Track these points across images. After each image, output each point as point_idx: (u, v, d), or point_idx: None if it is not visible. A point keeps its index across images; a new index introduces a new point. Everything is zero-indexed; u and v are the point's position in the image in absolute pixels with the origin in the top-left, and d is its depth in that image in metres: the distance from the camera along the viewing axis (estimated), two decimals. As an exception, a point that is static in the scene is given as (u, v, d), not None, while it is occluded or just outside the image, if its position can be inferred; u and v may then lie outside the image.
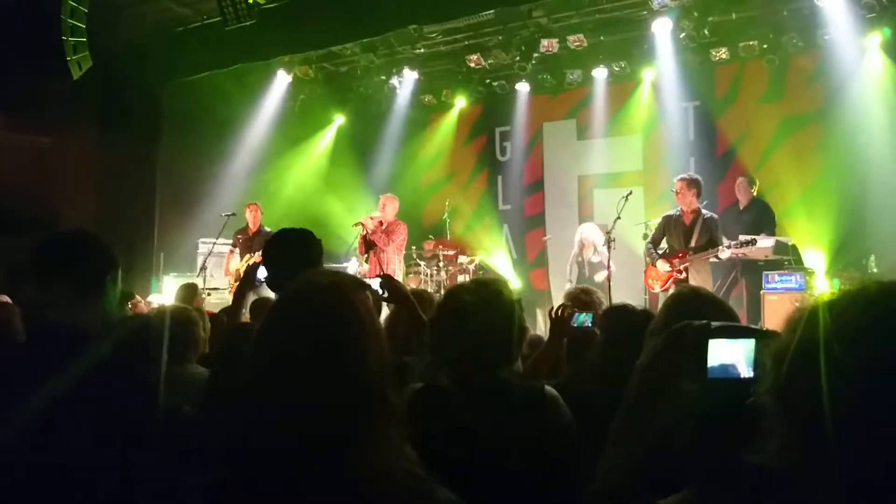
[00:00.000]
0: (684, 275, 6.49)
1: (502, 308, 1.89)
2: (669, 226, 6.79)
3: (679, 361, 1.22)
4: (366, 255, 7.85)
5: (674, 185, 6.75)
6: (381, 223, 7.82)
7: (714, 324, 1.24)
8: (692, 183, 6.69)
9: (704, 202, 6.85)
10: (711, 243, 6.49)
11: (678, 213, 6.77)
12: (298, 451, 1.09)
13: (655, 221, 7.63)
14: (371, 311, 1.22)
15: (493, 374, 1.87)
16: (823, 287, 6.86)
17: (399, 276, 7.60)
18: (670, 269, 6.60)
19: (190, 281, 7.28)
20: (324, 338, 1.15)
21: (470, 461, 1.61)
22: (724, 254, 6.43)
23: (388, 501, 1.09)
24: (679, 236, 6.67)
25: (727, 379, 1.19)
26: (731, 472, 1.09)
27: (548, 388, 1.94)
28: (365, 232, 7.72)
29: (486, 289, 1.94)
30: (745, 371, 1.19)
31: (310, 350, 1.14)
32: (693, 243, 6.54)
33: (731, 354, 1.20)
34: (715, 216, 6.74)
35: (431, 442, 1.25)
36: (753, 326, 1.27)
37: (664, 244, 6.89)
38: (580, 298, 3.41)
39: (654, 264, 6.78)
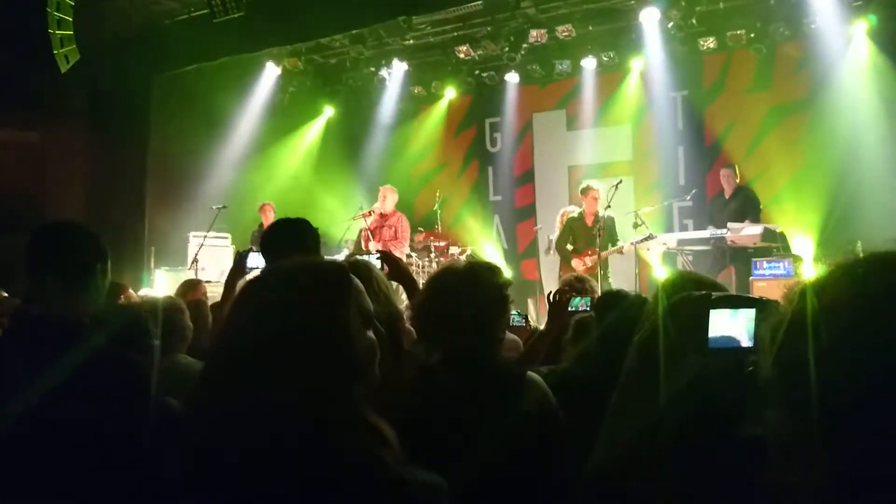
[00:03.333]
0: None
1: (484, 289, 1.91)
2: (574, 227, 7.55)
3: (680, 332, 1.21)
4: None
5: (592, 190, 7.47)
6: (381, 215, 7.97)
7: (714, 294, 1.23)
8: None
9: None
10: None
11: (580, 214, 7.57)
12: (272, 437, 1.07)
13: (646, 210, 7.73)
14: (344, 289, 1.18)
15: (474, 354, 1.89)
16: (811, 273, 6.92)
17: None
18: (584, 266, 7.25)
19: (189, 277, 7.27)
20: (289, 317, 1.12)
21: (451, 440, 1.64)
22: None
23: (366, 485, 1.07)
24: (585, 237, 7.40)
25: (728, 349, 1.19)
26: (731, 443, 1.11)
27: (529, 372, 1.96)
28: (367, 226, 7.89)
29: (471, 270, 1.96)
30: (746, 341, 1.19)
31: (276, 330, 1.11)
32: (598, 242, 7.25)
33: (731, 324, 1.19)
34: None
35: (415, 421, 1.25)
36: (754, 296, 1.24)
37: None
38: (573, 285, 3.46)
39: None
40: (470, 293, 1.89)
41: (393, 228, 8.09)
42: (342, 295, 1.17)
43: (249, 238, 8.48)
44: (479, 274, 1.94)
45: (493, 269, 1.99)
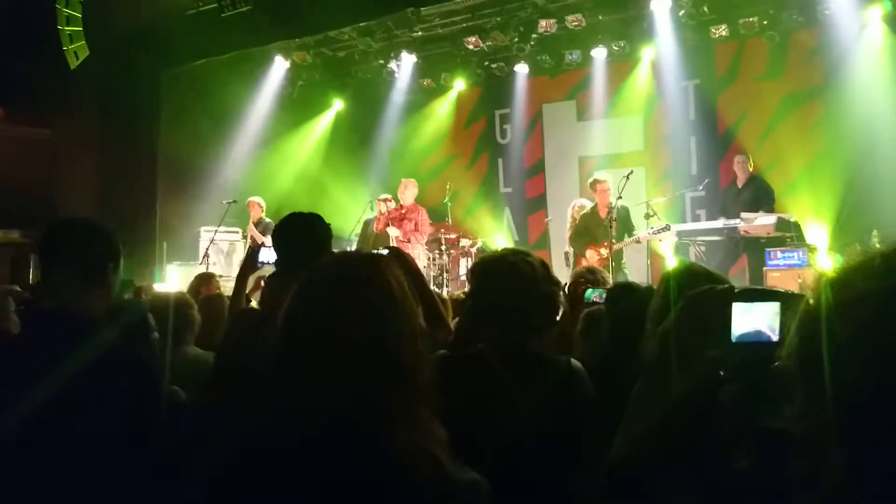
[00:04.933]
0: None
1: (538, 279, 1.90)
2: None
3: (702, 326, 1.20)
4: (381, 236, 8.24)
5: (599, 183, 7.38)
6: (401, 207, 8.10)
7: (738, 287, 1.22)
8: None
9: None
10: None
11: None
12: (325, 435, 1.07)
13: (658, 201, 7.67)
14: (404, 285, 1.17)
15: (522, 343, 1.89)
16: (826, 263, 6.86)
17: (422, 264, 7.80)
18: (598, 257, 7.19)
19: (202, 271, 7.31)
20: (359, 314, 1.11)
21: (495, 428, 1.63)
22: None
23: (417, 483, 1.07)
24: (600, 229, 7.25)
25: (752, 342, 1.17)
26: (757, 437, 1.10)
27: (574, 361, 1.96)
28: (385, 213, 8.11)
29: (524, 259, 1.94)
30: (772, 334, 1.17)
31: (343, 327, 1.10)
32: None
33: (755, 318, 1.17)
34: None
35: (456, 409, 1.23)
36: (777, 289, 1.23)
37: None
38: (586, 277, 3.45)
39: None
40: (522, 287, 1.87)
41: (413, 221, 8.18)
42: (405, 290, 1.16)
43: (246, 233, 8.53)
44: (531, 267, 1.92)
45: (543, 264, 1.97)
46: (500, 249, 2.13)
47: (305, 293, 1.18)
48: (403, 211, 8.22)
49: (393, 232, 8.12)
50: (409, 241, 8.02)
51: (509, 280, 1.88)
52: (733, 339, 1.17)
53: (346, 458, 1.06)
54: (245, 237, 8.82)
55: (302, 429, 1.08)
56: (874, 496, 0.71)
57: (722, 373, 1.20)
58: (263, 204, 8.69)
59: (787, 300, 1.16)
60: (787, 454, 0.86)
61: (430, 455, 1.09)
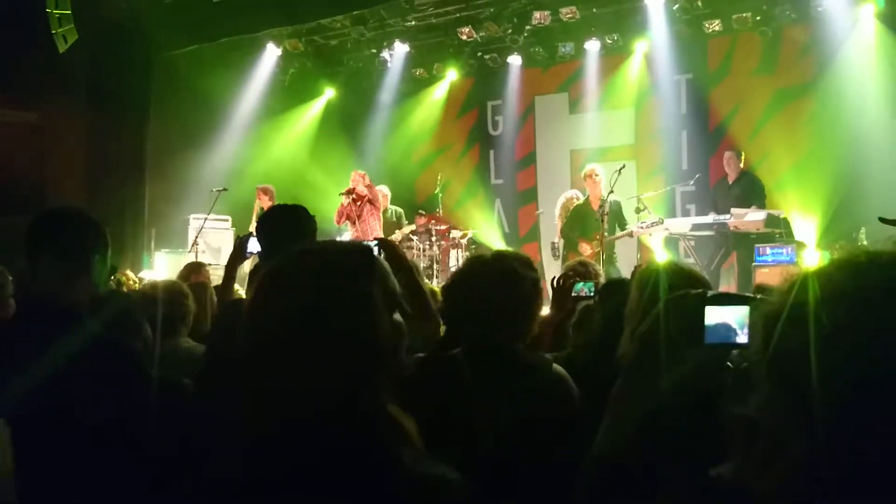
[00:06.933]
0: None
1: (520, 282, 1.88)
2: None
3: (677, 328, 1.28)
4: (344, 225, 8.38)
5: (592, 173, 7.42)
6: (357, 196, 8.21)
7: (710, 292, 1.31)
8: None
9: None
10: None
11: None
12: (299, 427, 1.06)
13: (648, 195, 7.69)
14: (370, 275, 1.15)
15: (503, 345, 1.87)
16: (814, 259, 6.91)
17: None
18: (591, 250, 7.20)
19: (192, 260, 7.27)
20: (314, 304, 1.09)
21: (474, 431, 1.63)
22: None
23: (384, 484, 1.06)
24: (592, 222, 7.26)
25: (723, 344, 1.26)
26: (723, 424, 1.14)
27: (555, 364, 1.95)
28: (348, 202, 8.07)
29: (506, 261, 1.92)
30: (741, 337, 1.26)
31: (300, 318, 1.09)
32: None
33: (726, 320, 1.26)
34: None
35: (434, 411, 1.24)
36: (748, 294, 1.33)
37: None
38: (577, 270, 3.45)
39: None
40: (503, 287, 1.85)
41: (371, 201, 8.30)
42: (369, 278, 1.14)
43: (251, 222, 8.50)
44: (512, 267, 1.90)
45: (525, 262, 1.95)
46: (473, 253, 2.14)
47: (264, 286, 1.17)
48: (359, 201, 8.27)
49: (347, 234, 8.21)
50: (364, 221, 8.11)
51: (488, 281, 1.87)
52: (706, 340, 1.26)
53: (310, 454, 1.05)
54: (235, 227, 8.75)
55: (268, 419, 1.07)
56: (835, 476, 0.76)
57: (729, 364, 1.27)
58: (273, 190, 8.53)
59: (756, 304, 1.24)
60: (751, 438, 0.90)
61: (394, 453, 1.08)
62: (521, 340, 1.92)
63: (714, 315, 1.26)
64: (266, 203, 8.40)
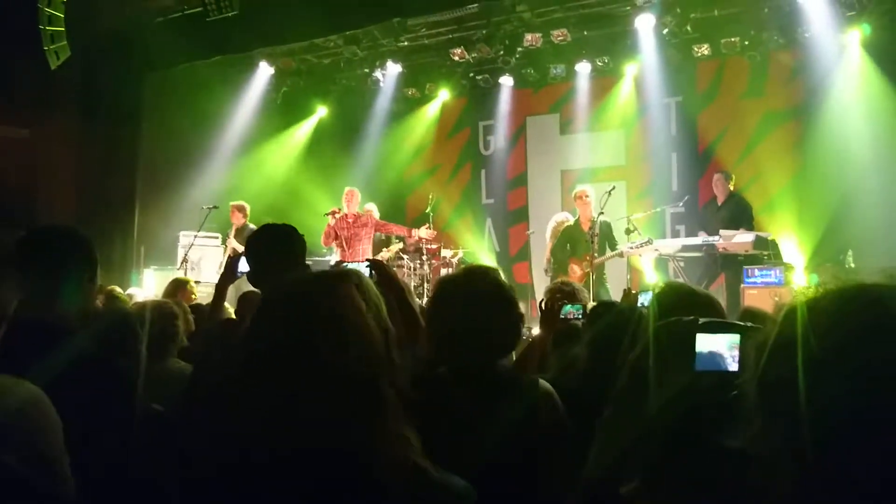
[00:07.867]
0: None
1: (496, 297, 1.88)
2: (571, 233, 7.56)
3: (668, 354, 1.28)
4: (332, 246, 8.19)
5: (582, 194, 7.52)
6: (353, 216, 8.05)
7: (701, 319, 1.30)
8: None
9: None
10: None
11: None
12: (296, 452, 1.07)
13: (638, 216, 7.73)
14: (356, 302, 1.18)
15: (486, 364, 1.86)
16: (802, 282, 6.95)
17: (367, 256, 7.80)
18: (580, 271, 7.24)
19: (178, 276, 7.23)
20: (303, 333, 1.12)
21: (461, 452, 1.62)
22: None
23: (400, 491, 1.08)
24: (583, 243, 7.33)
25: (713, 371, 1.25)
26: (713, 456, 1.15)
27: (542, 381, 1.94)
28: (335, 222, 7.97)
29: (481, 278, 1.92)
30: (731, 364, 1.25)
31: (291, 346, 1.11)
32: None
33: (717, 348, 1.26)
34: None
35: (421, 429, 1.24)
36: (739, 322, 1.31)
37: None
38: (563, 290, 3.44)
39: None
40: (469, 304, 1.85)
41: (370, 225, 8.12)
42: (355, 307, 1.16)
43: (224, 240, 8.46)
44: (475, 282, 1.90)
45: (493, 280, 1.93)
46: (460, 268, 2.14)
47: (261, 313, 1.20)
48: (353, 221, 8.05)
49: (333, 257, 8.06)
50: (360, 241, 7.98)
51: (468, 300, 1.87)
52: (696, 367, 1.26)
53: (317, 478, 1.06)
54: (224, 244, 8.63)
55: (273, 443, 1.08)
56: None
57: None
58: (247, 208, 8.47)
59: (747, 333, 1.24)
60: (745, 470, 0.90)
61: (413, 464, 1.09)
62: (502, 355, 1.92)
63: (705, 342, 1.26)
64: (240, 220, 8.37)
